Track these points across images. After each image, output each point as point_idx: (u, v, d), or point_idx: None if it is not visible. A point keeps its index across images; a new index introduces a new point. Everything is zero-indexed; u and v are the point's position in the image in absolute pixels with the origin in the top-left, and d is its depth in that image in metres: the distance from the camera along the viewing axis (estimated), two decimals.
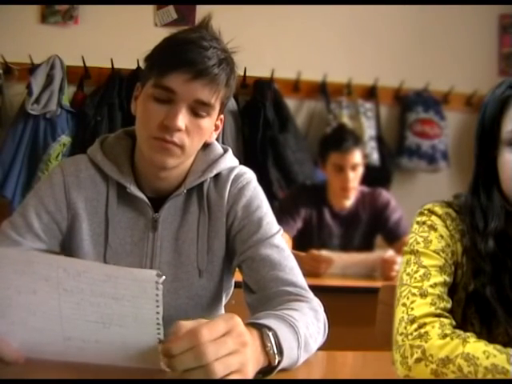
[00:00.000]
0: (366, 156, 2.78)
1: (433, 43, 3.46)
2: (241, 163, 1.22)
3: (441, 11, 3.41)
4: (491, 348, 0.84)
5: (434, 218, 1.04)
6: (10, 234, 1.10)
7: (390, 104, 3.47)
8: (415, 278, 0.98)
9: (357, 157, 2.50)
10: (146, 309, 0.75)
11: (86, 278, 0.75)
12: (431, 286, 0.96)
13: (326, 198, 2.57)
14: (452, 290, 0.99)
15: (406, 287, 0.98)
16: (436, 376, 0.86)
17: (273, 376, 0.83)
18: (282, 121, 3.20)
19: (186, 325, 0.73)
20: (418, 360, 0.87)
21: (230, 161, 1.19)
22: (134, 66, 2.87)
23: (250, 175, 1.20)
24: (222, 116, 1.16)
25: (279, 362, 0.83)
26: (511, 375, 0.80)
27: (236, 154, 1.23)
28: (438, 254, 1.00)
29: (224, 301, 1.25)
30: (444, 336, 0.88)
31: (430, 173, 3.43)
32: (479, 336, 0.88)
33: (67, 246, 1.15)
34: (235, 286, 1.27)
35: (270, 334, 0.83)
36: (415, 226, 1.06)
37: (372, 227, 2.59)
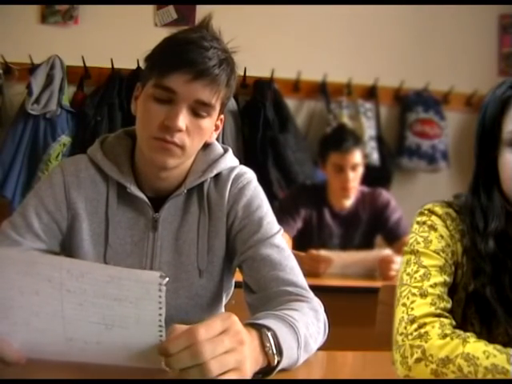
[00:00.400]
0: (366, 156, 2.78)
1: (433, 43, 3.46)
2: (241, 163, 1.22)
3: (441, 11, 3.41)
4: (491, 348, 0.84)
5: (434, 218, 1.04)
6: (10, 233, 1.10)
7: (389, 104, 3.47)
8: (415, 278, 0.98)
9: (357, 157, 2.50)
10: (149, 310, 0.75)
11: (89, 279, 0.75)
12: (431, 286, 0.96)
13: (326, 198, 2.57)
14: (452, 290, 0.99)
15: (406, 287, 0.98)
16: (436, 376, 0.86)
17: (273, 376, 0.83)
18: (281, 121, 3.20)
19: (182, 328, 0.73)
20: (418, 360, 0.87)
21: (230, 161, 1.19)
22: (134, 66, 2.87)
23: (250, 175, 1.20)
24: (222, 116, 1.16)
25: (279, 362, 0.83)
26: (511, 375, 0.80)
27: (236, 154, 1.23)
28: (438, 254, 1.00)
29: (224, 301, 1.25)
30: (444, 336, 0.88)
31: (430, 173, 3.43)
32: (479, 336, 0.88)
33: (67, 246, 1.15)
34: (235, 286, 1.27)
35: (269, 334, 0.83)
36: (415, 226, 1.06)
37: (372, 227, 2.59)
